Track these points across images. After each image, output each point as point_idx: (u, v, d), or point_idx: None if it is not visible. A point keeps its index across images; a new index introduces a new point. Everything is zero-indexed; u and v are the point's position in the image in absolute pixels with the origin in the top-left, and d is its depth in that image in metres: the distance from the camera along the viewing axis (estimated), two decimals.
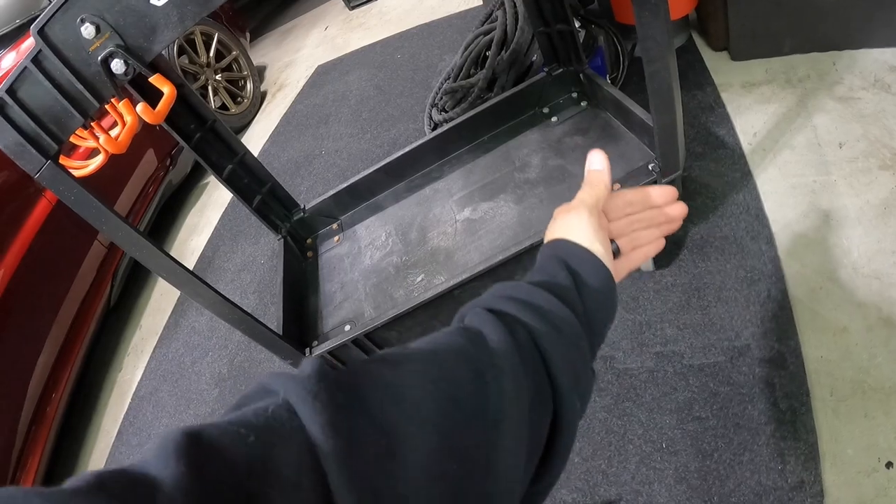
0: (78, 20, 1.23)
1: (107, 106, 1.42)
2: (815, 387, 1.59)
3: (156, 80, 1.40)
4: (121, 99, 1.41)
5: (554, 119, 2.32)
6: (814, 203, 1.95)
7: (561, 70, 2.26)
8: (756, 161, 2.18)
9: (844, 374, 1.58)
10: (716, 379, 1.71)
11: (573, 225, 0.78)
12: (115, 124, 1.45)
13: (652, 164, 1.73)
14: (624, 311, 1.95)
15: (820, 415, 1.54)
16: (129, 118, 1.42)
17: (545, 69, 2.28)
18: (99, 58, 1.28)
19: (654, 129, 1.62)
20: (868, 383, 1.56)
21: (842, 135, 2.13)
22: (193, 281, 1.62)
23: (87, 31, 1.24)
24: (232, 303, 1.69)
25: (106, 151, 1.43)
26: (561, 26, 2.11)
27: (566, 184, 2.00)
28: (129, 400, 2.95)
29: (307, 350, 1.89)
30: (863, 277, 1.76)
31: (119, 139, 1.42)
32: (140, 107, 1.41)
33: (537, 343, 0.62)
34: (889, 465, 1.45)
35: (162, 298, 3.38)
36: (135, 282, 3.51)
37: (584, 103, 2.29)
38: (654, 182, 1.69)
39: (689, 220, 2.08)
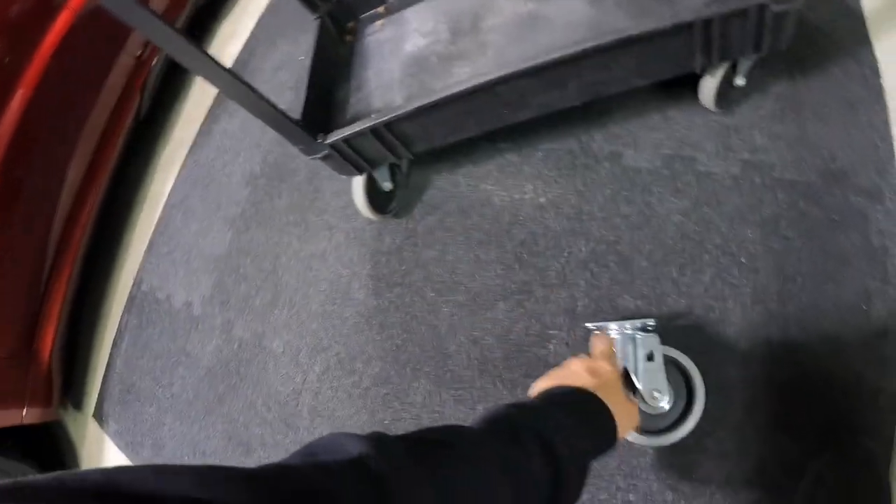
0: None
1: None
2: None
3: None
4: None
5: None
6: None
7: None
8: None
9: None
10: (806, 199, 1.33)
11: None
12: None
13: None
14: (708, 112, 1.49)
15: None
16: None
17: None
18: None
19: None
20: None
21: None
22: (206, 60, 1.17)
23: None
24: (245, 83, 1.25)
25: None
26: None
27: None
28: (159, 210, 2.53)
29: (320, 136, 1.43)
30: None
31: None
32: None
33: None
34: None
35: (194, 109, 2.83)
36: (165, 96, 2.92)
37: None
38: (763, 8, 1.17)
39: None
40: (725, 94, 1.41)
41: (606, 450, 0.81)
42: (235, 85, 1.22)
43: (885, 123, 1.36)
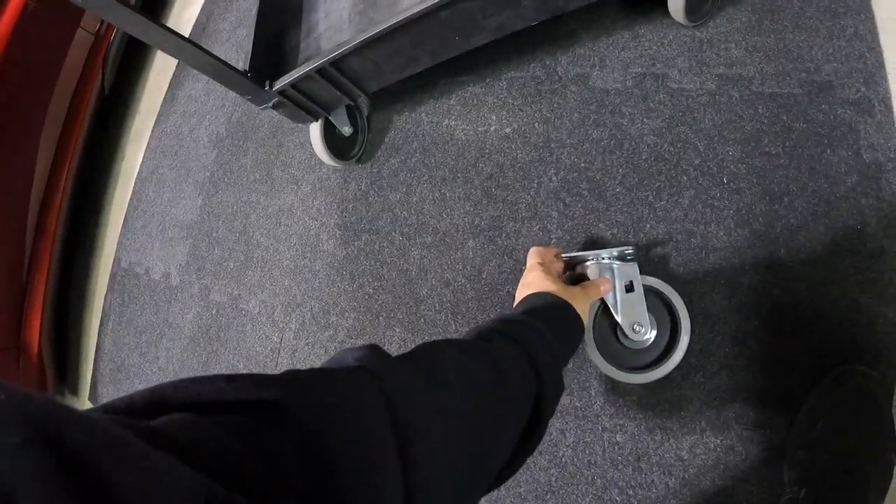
0: None
1: None
2: None
3: None
4: None
5: None
6: None
7: None
8: None
9: None
10: (790, 112, 1.21)
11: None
12: None
13: None
14: (680, 27, 1.37)
15: None
16: None
17: None
18: None
19: None
20: None
21: None
22: (150, 26, 1.08)
23: None
24: (188, 40, 1.15)
25: None
26: None
27: None
28: (132, 185, 2.48)
29: (266, 84, 1.33)
30: None
31: None
32: None
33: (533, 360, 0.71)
34: None
35: (159, 78, 2.74)
36: (129, 68, 2.82)
37: None
38: None
39: None
40: (697, 6, 1.28)
41: (577, 342, 0.92)
42: (167, 37, 1.12)
43: (872, 32, 1.23)
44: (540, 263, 1.05)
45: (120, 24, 1.06)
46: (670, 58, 1.33)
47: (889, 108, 1.15)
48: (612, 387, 1.18)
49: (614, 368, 1.10)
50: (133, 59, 2.79)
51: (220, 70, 1.22)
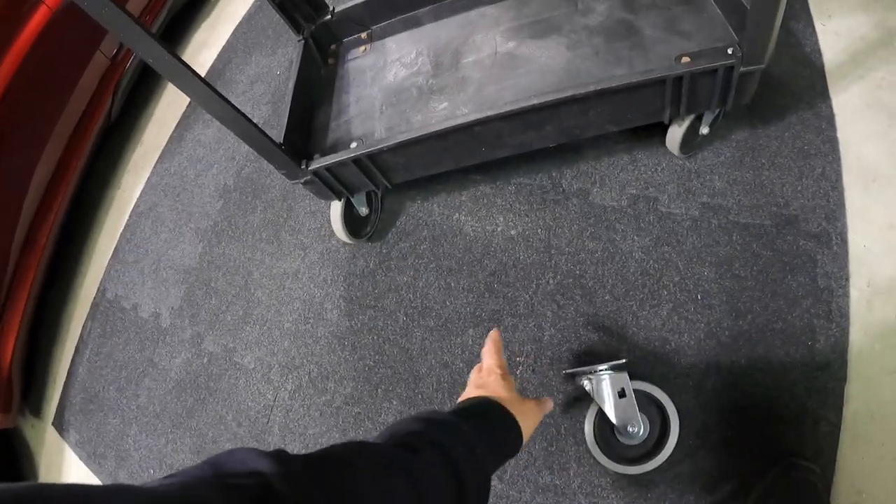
0: None
1: None
2: (855, 274, 1.36)
3: None
4: None
5: None
6: (879, 98, 1.57)
7: None
8: (827, 42, 1.72)
9: (884, 270, 1.35)
10: (760, 241, 1.45)
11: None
12: None
13: (732, 49, 1.27)
14: (672, 156, 1.60)
15: (854, 303, 1.34)
16: None
17: None
18: None
19: (749, 10, 1.18)
20: None
21: None
22: (191, 78, 1.20)
23: None
24: (226, 100, 1.28)
25: None
26: None
27: (628, 41, 1.49)
28: (126, 217, 2.56)
29: (303, 163, 1.50)
30: None
31: None
32: None
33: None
34: None
35: (166, 113, 2.84)
36: (137, 97, 2.93)
37: None
38: (731, 69, 1.27)
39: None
40: (690, 141, 1.52)
41: (512, 453, 0.88)
42: (226, 109, 1.27)
43: (837, 173, 1.47)
44: (499, 367, 1.06)
45: (171, 79, 1.18)
46: (662, 183, 1.55)
47: (845, 241, 1.38)
48: (589, 468, 1.36)
49: (615, 463, 1.30)
50: (142, 89, 2.88)
51: (261, 141, 1.37)
